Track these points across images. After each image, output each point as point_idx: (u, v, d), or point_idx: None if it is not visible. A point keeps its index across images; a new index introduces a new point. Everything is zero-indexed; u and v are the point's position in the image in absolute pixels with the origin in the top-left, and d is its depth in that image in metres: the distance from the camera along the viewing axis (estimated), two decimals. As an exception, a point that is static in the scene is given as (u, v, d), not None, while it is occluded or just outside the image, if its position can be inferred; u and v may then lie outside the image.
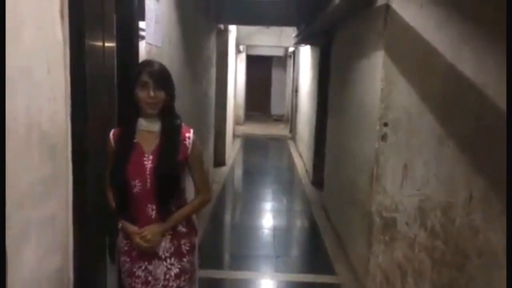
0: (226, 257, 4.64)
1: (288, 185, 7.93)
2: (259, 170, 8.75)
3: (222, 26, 7.95)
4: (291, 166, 9.11)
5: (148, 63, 2.05)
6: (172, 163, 1.98)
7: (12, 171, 1.35)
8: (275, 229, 5.27)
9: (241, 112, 15.31)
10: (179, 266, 2.05)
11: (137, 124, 2.00)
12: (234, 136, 11.65)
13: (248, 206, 6.35)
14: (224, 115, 8.55)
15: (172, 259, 2.04)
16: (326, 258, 4.37)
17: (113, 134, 2.07)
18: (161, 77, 1.98)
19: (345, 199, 4.51)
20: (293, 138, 12.01)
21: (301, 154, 9.61)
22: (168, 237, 2.04)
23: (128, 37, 2.83)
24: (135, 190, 1.96)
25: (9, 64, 1.33)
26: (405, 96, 3.34)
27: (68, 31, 1.76)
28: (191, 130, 2.08)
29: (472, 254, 3.52)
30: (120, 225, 2.05)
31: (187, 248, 2.09)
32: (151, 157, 1.98)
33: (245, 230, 5.29)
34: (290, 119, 13.68)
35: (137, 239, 1.98)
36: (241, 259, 4.42)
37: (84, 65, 2.13)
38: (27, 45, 1.47)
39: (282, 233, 5.21)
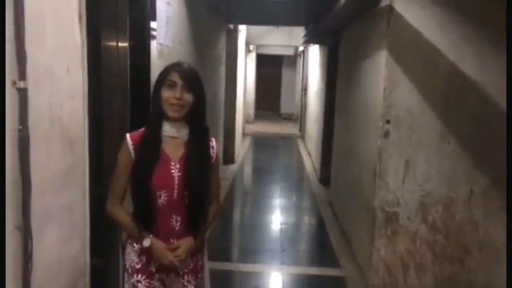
0: (235, 250, 4.78)
1: (296, 182, 8.04)
2: (268, 168, 8.87)
3: (231, 26, 8.08)
4: (300, 164, 9.22)
5: (178, 63, 1.90)
6: (203, 171, 1.86)
7: (37, 161, 1.50)
8: (282, 224, 5.39)
9: (251, 110, 15.45)
10: (194, 283, 1.94)
11: (161, 128, 1.83)
12: (244, 134, 11.78)
13: (256, 202, 6.49)
14: (234, 114, 8.69)
15: (190, 276, 1.93)
16: (331, 252, 4.48)
17: (132, 139, 1.84)
18: (191, 78, 1.83)
19: (350, 196, 4.62)
20: (302, 136, 12.12)
21: (310, 152, 9.72)
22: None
23: (141, 37, 2.97)
24: (160, 201, 1.80)
25: (34, 64, 1.47)
26: (407, 94, 3.44)
27: (85, 33, 1.89)
28: (213, 139, 1.97)
29: (473, 248, 3.63)
30: (147, 242, 1.80)
31: (201, 263, 1.99)
32: (178, 165, 1.83)
33: (253, 225, 5.43)
34: (300, 118, 13.78)
35: (170, 258, 1.80)
36: (248, 252, 4.55)
37: (100, 65, 2.27)
38: (49, 46, 1.61)
39: (288, 229, 5.33)
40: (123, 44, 2.81)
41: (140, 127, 2.85)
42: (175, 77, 1.79)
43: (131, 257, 1.87)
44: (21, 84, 1.39)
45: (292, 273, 4.07)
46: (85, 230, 1.98)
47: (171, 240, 1.85)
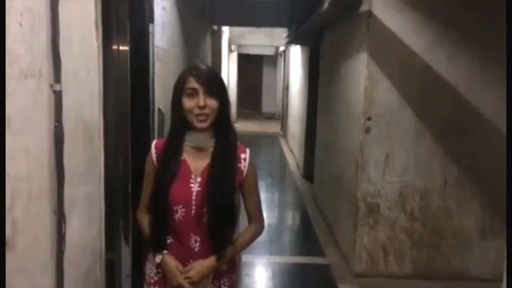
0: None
1: (280, 178, 8.31)
2: (252, 165, 9.08)
3: (216, 27, 8.30)
4: (283, 161, 9.49)
5: (194, 66, 1.70)
6: (226, 187, 1.69)
7: (67, 154, 1.70)
8: (269, 218, 5.63)
9: (233, 110, 15.63)
10: None
11: (184, 138, 1.70)
12: (227, 133, 11.95)
13: (243, 198, 6.72)
14: (219, 113, 8.88)
15: None
16: (317, 243, 4.74)
17: (156, 148, 1.76)
18: (213, 81, 1.66)
19: (334, 189, 4.89)
20: (284, 135, 12.40)
21: (292, 150, 9.99)
22: (211, 275, 1.75)
23: (141, 40, 3.16)
24: (177, 216, 1.69)
25: (64, 68, 1.67)
26: (387, 93, 3.73)
27: (101, 39, 2.10)
28: (247, 150, 1.80)
29: (447, 235, 3.95)
30: (158, 258, 1.72)
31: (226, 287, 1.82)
32: (199, 179, 1.70)
33: (241, 219, 5.65)
34: (282, 117, 14.05)
35: (180, 280, 1.69)
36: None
37: (111, 68, 2.47)
38: (75, 52, 1.81)
39: (275, 222, 5.58)
40: (124, 48, 3.00)
41: (140, 126, 3.04)
42: (194, 84, 1.62)
43: (150, 266, 1.80)
44: (57, 87, 1.60)
45: (280, 262, 4.32)
46: (100, 218, 2.18)
47: (191, 262, 1.72)
